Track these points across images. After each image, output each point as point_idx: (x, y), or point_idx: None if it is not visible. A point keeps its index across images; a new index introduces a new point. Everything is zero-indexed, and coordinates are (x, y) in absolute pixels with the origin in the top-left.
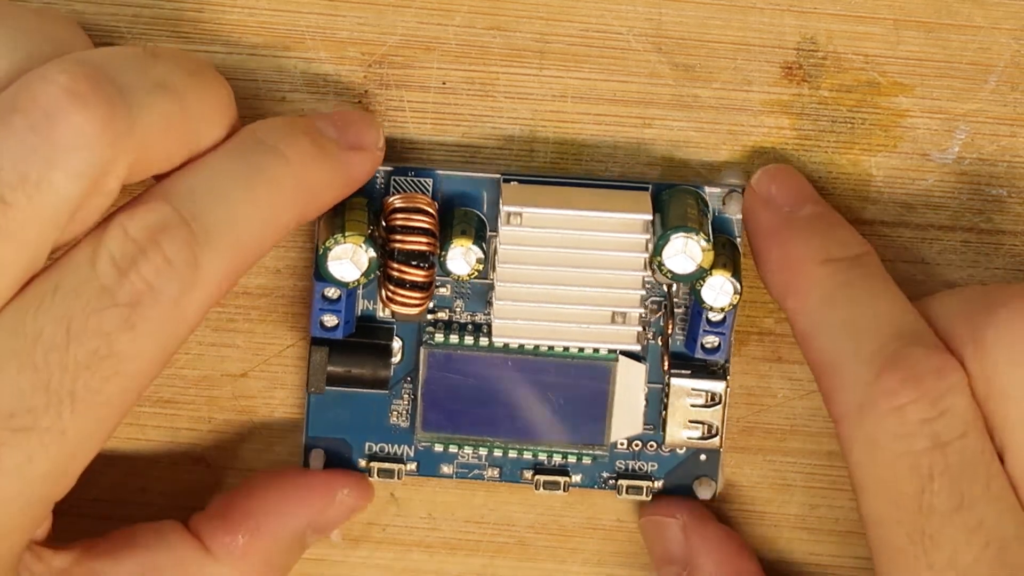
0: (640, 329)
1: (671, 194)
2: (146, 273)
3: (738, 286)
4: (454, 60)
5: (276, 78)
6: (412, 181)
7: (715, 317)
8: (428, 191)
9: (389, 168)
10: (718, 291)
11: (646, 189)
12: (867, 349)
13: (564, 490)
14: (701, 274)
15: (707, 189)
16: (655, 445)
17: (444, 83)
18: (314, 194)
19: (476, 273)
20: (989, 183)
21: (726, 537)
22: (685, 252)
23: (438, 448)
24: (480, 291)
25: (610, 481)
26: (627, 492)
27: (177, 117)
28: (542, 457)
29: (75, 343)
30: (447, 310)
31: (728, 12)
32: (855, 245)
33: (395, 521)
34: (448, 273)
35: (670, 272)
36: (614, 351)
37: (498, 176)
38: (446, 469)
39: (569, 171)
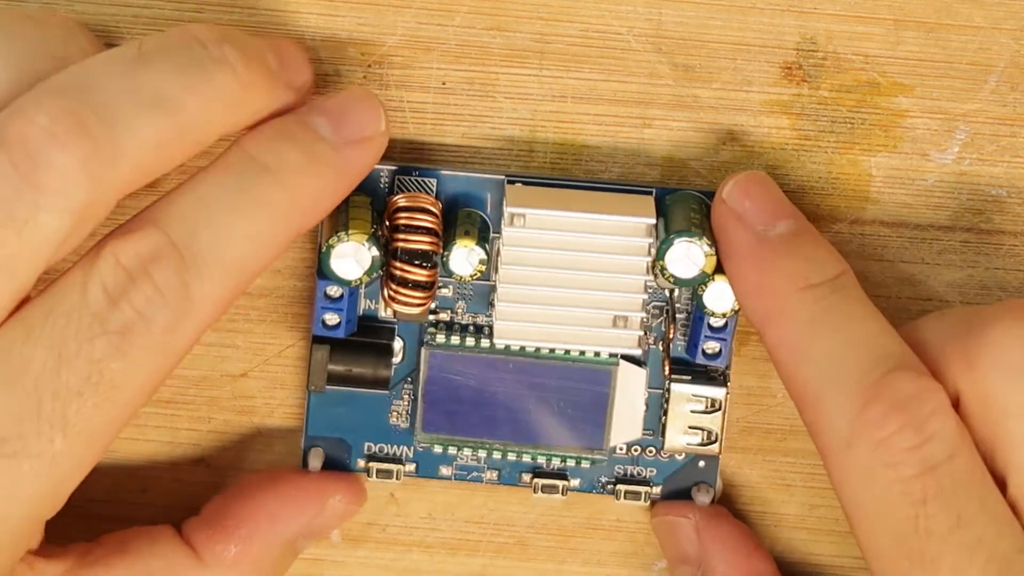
0: (641, 333)
1: (674, 199)
2: (137, 302)
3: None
4: (454, 60)
5: None
6: (416, 181)
7: (717, 323)
8: (432, 191)
9: (393, 167)
10: (720, 296)
11: (650, 193)
12: (849, 379)
13: (562, 494)
14: (703, 279)
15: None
16: (654, 450)
17: (444, 83)
18: (310, 206)
19: (479, 274)
20: (989, 183)
21: (740, 536)
22: (688, 257)
23: (437, 449)
24: (482, 292)
25: (608, 486)
26: (625, 497)
27: (171, 132)
28: (541, 460)
29: (66, 369)
30: (449, 311)
31: (728, 12)
32: (832, 265)
33: (395, 521)
34: (450, 273)
35: (672, 276)
36: (615, 355)
37: (502, 177)
38: (445, 471)
39: (569, 171)
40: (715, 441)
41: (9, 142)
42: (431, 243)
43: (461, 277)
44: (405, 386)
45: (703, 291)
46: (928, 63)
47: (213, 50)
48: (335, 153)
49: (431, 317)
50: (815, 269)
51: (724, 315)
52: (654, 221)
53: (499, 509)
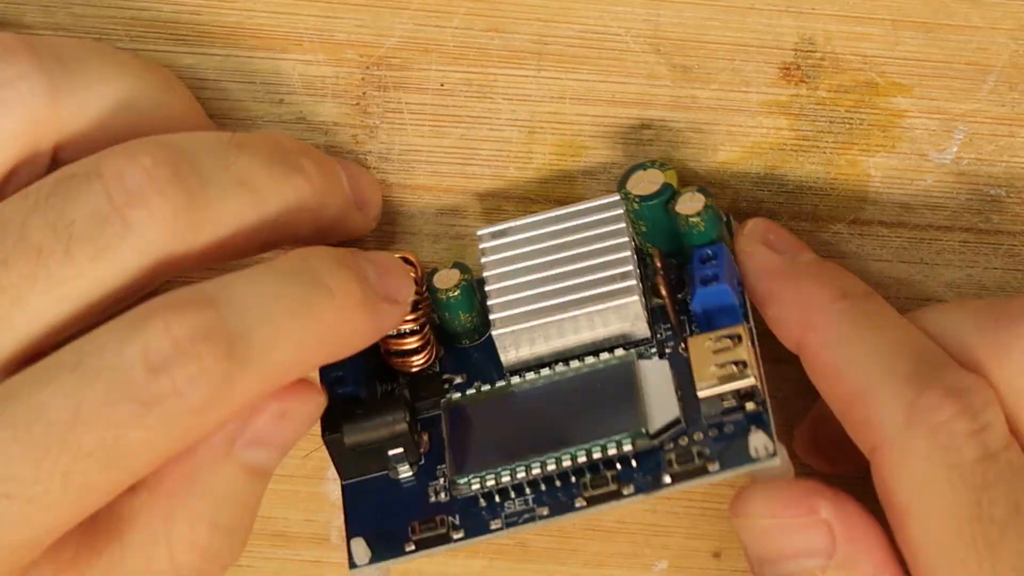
0: (638, 298)
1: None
2: (178, 377)
3: (709, 196)
4: (452, 62)
5: (274, 80)
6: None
7: (705, 253)
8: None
9: None
10: (690, 201)
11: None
12: (902, 371)
13: (619, 497)
14: (669, 192)
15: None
16: (701, 434)
17: (442, 85)
18: (346, 338)
19: (464, 283)
20: (987, 183)
21: (867, 516)
22: (646, 180)
23: (475, 486)
24: (487, 353)
25: (665, 478)
26: (680, 479)
27: (251, 215)
28: (582, 459)
29: (82, 427)
30: (463, 375)
31: (726, 13)
32: (860, 283)
33: None
34: (435, 291)
35: (638, 198)
36: (629, 347)
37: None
38: (495, 524)
39: (568, 172)
40: (748, 370)
41: (108, 174)
42: (418, 341)
43: (446, 290)
44: (439, 467)
45: (674, 205)
46: (926, 63)
47: (293, 158)
48: (377, 301)
49: (444, 379)
50: (848, 283)
51: (699, 213)
52: (619, 197)
53: None
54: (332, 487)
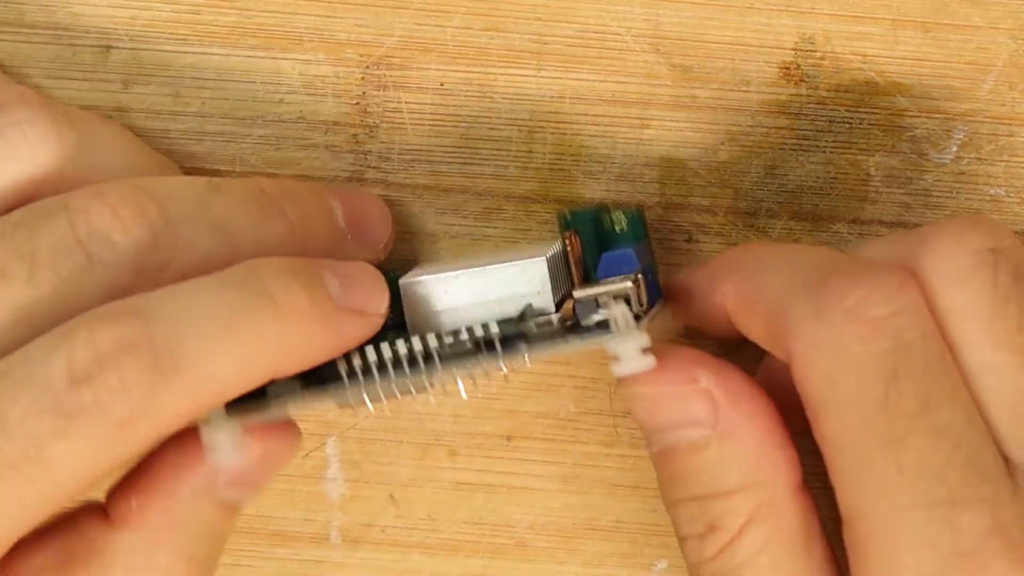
0: (545, 259)
1: None
2: (99, 389)
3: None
4: (452, 61)
5: (274, 80)
6: None
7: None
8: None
9: None
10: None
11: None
12: (813, 277)
13: (473, 358)
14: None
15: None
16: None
17: (442, 84)
18: (293, 352)
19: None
20: (987, 183)
21: (752, 385)
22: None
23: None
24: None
25: (520, 347)
26: (539, 347)
27: (221, 257)
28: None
29: (4, 437)
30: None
31: (726, 12)
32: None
33: (395, 522)
34: None
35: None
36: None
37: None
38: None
39: (568, 172)
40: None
41: (74, 208)
42: None
43: None
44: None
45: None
46: (926, 63)
47: (273, 201)
48: (336, 312)
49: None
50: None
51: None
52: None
53: (499, 510)
54: (332, 486)
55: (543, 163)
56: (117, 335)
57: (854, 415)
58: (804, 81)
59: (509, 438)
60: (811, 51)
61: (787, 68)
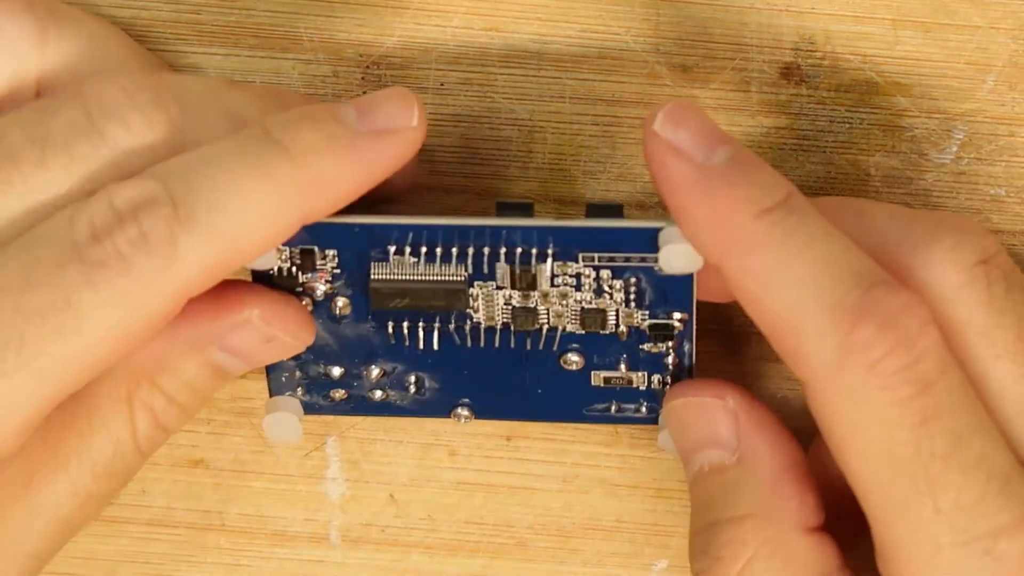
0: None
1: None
2: (119, 242)
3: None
4: (452, 61)
5: (274, 80)
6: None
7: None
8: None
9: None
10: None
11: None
12: (829, 302)
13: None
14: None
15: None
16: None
17: (442, 84)
18: (319, 188)
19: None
20: (988, 183)
21: (778, 423)
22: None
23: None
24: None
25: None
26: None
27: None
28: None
29: (32, 289)
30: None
31: (726, 13)
32: (780, 186)
33: (394, 522)
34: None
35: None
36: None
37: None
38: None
39: (568, 172)
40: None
41: (88, 93)
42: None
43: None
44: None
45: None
46: (926, 63)
47: (287, 99)
48: (356, 138)
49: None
50: (765, 193)
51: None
52: None
53: (498, 510)
54: (332, 486)
55: (543, 163)
56: (135, 194)
57: (884, 460)
58: (804, 81)
59: (509, 438)
60: (811, 51)
61: (787, 68)
